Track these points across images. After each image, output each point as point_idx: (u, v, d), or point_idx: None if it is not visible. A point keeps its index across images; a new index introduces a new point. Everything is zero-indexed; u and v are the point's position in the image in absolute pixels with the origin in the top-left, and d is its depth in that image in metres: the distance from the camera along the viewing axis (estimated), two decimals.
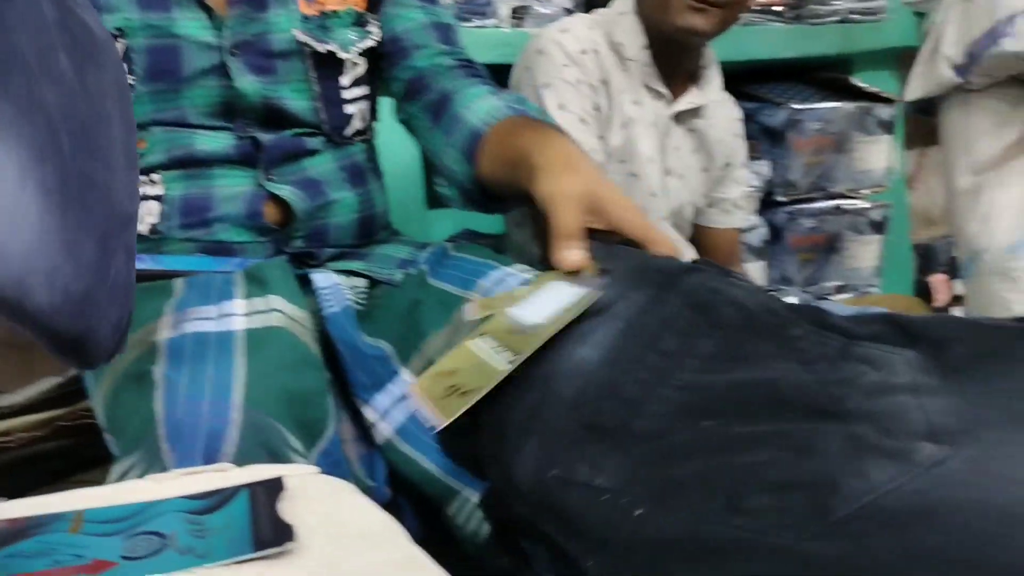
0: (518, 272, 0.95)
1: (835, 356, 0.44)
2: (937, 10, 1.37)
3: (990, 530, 0.35)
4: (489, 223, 1.74)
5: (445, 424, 0.52)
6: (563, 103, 1.23)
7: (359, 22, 1.00)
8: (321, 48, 0.96)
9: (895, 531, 0.37)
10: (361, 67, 1.00)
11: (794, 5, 1.81)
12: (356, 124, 1.02)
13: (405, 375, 0.85)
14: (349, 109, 1.00)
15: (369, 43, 1.00)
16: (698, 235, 1.46)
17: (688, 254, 1.39)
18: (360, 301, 0.99)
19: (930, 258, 2.26)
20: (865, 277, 1.93)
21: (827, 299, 1.80)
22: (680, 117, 1.34)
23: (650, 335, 0.51)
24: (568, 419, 0.50)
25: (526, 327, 0.56)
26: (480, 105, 0.94)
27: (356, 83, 1.00)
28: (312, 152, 0.99)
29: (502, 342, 0.57)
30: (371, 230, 1.07)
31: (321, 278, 0.97)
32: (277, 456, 0.64)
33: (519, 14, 1.51)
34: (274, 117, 0.95)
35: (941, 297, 2.22)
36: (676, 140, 1.35)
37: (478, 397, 0.52)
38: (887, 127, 1.84)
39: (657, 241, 0.63)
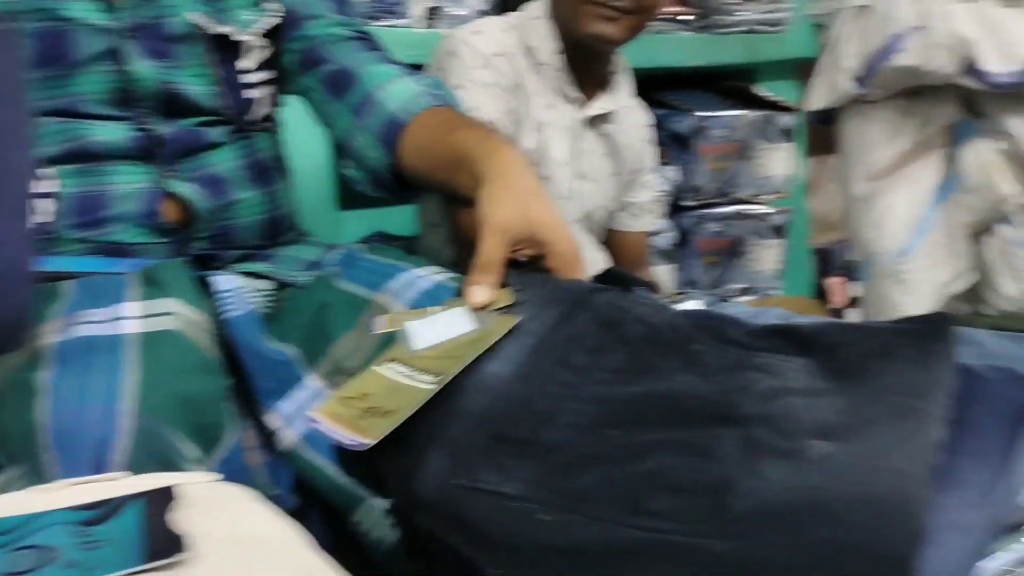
0: (429, 274, 0.94)
1: (734, 366, 0.46)
2: (835, 23, 1.42)
3: (874, 520, 0.37)
4: (402, 225, 1.73)
5: (372, 443, 0.52)
6: (476, 105, 1.22)
7: (255, 2, 0.97)
8: (215, 30, 0.92)
9: (788, 525, 0.38)
10: (265, 50, 0.97)
11: (701, 15, 1.86)
12: (260, 110, 0.99)
13: (311, 380, 0.83)
14: (251, 93, 0.97)
15: (268, 22, 0.97)
16: (609, 238, 1.49)
17: (599, 258, 1.41)
18: (265, 304, 0.96)
19: (828, 261, 2.37)
20: (767, 279, 2.01)
21: (730, 301, 1.85)
22: (592, 122, 1.36)
23: (561, 351, 0.52)
24: (476, 431, 0.50)
25: (422, 350, 0.56)
26: (397, 89, 0.93)
27: (260, 67, 0.97)
28: (214, 146, 0.96)
29: (413, 366, 0.57)
30: (278, 231, 1.04)
31: (223, 280, 0.94)
32: (171, 464, 0.61)
33: (432, 15, 1.50)
34: (173, 105, 0.92)
35: (837, 299, 2.32)
36: (588, 144, 1.36)
37: (405, 416, 0.52)
38: (788, 135, 1.91)
39: (582, 266, 0.65)
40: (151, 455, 0.61)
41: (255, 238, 1.00)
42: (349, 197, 1.48)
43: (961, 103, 1.33)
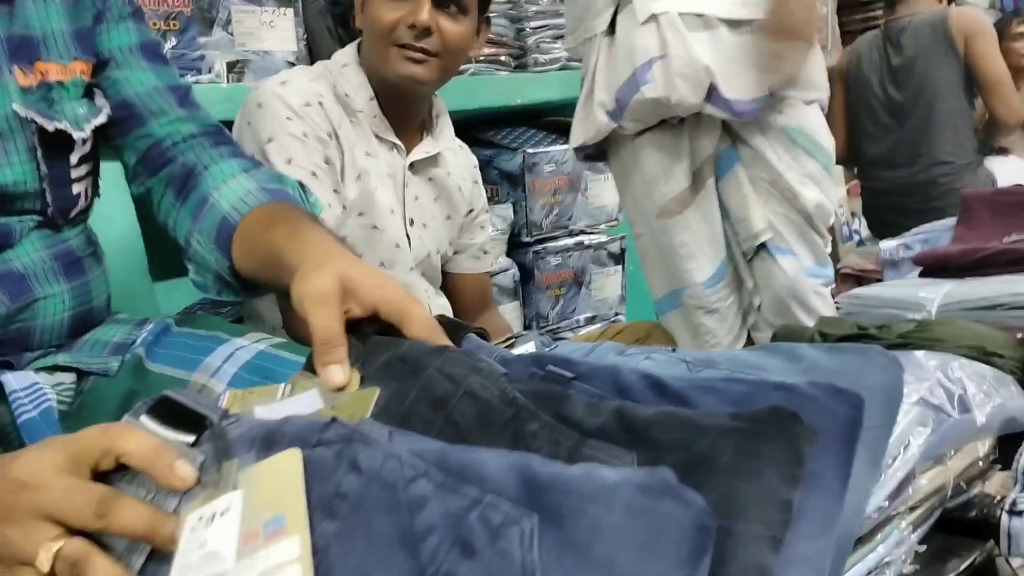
0: (249, 343, 0.87)
1: (564, 459, 0.43)
2: (589, 56, 1.37)
3: None
4: None
5: None
6: (290, 157, 1.17)
7: (88, 94, 0.89)
8: (50, 126, 0.83)
9: None
10: (89, 143, 0.89)
11: (517, 55, 1.89)
12: (81, 203, 0.90)
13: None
14: (76, 189, 0.88)
15: (102, 119, 0.89)
16: (449, 282, 1.46)
17: (439, 303, 1.37)
18: (64, 399, 0.86)
19: None
20: (612, 305, 2.04)
21: (563, 341, 1.87)
22: (416, 167, 1.33)
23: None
24: None
25: None
26: (231, 188, 0.87)
27: (82, 160, 0.88)
28: (18, 241, 0.84)
29: None
30: (87, 326, 0.93)
31: (14, 379, 0.83)
32: None
33: (237, 68, 1.43)
34: None
35: None
36: (415, 190, 1.33)
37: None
38: None
39: (414, 316, 0.59)
40: None
41: (57, 338, 0.89)
42: (163, 265, 1.37)
43: (723, 130, 1.32)
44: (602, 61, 1.32)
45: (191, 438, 0.49)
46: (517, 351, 0.67)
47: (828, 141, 1.33)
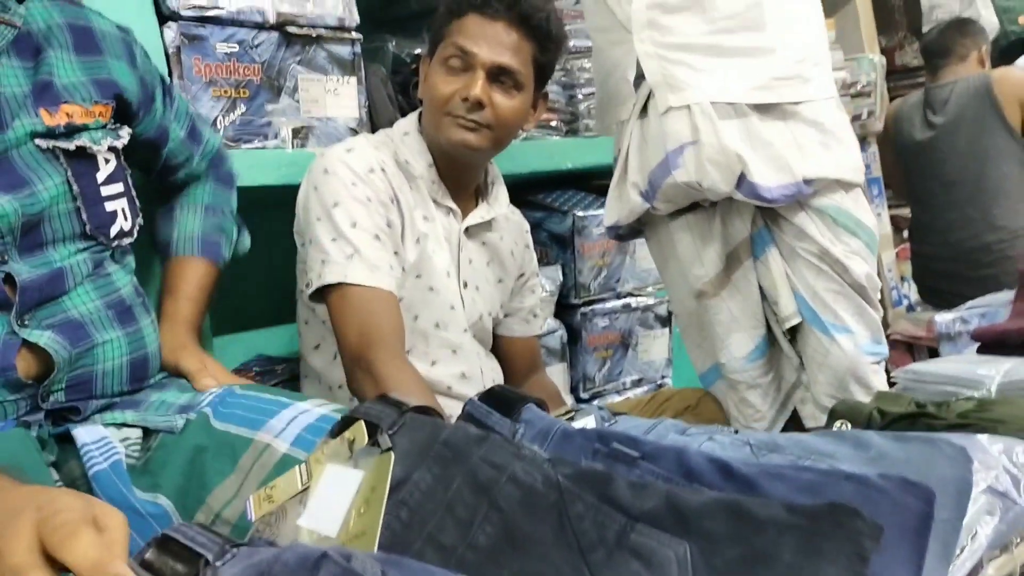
0: (313, 407, 0.89)
1: (613, 543, 0.43)
2: (621, 138, 1.40)
3: None
4: (285, 346, 1.66)
5: None
6: (355, 220, 1.21)
7: (107, 127, 0.98)
8: (71, 145, 0.92)
9: None
10: (113, 164, 0.97)
11: (568, 121, 1.93)
12: (120, 224, 0.97)
13: None
14: (111, 206, 0.96)
15: (119, 143, 0.99)
16: (499, 344, 1.47)
17: (490, 365, 1.39)
18: (132, 454, 0.89)
19: None
20: (658, 368, 2.03)
21: (616, 397, 1.85)
22: (471, 231, 1.36)
23: (433, 525, 0.48)
24: None
25: (331, 536, 0.51)
26: (187, 221, 1.18)
27: (110, 179, 0.97)
28: (72, 287, 0.90)
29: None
30: (144, 373, 0.97)
31: (85, 433, 0.87)
32: None
33: (301, 134, 1.49)
34: (31, 233, 0.88)
35: None
36: (469, 253, 1.36)
37: None
38: None
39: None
40: None
41: (119, 384, 0.94)
42: (220, 321, 1.41)
43: (758, 212, 1.32)
44: (635, 143, 1.35)
45: None
46: (577, 424, 0.69)
47: (870, 220, 1.33)
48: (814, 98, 1.29)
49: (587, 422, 0.69)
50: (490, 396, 0.65)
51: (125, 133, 1.00)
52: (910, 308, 3.18)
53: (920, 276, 2.79)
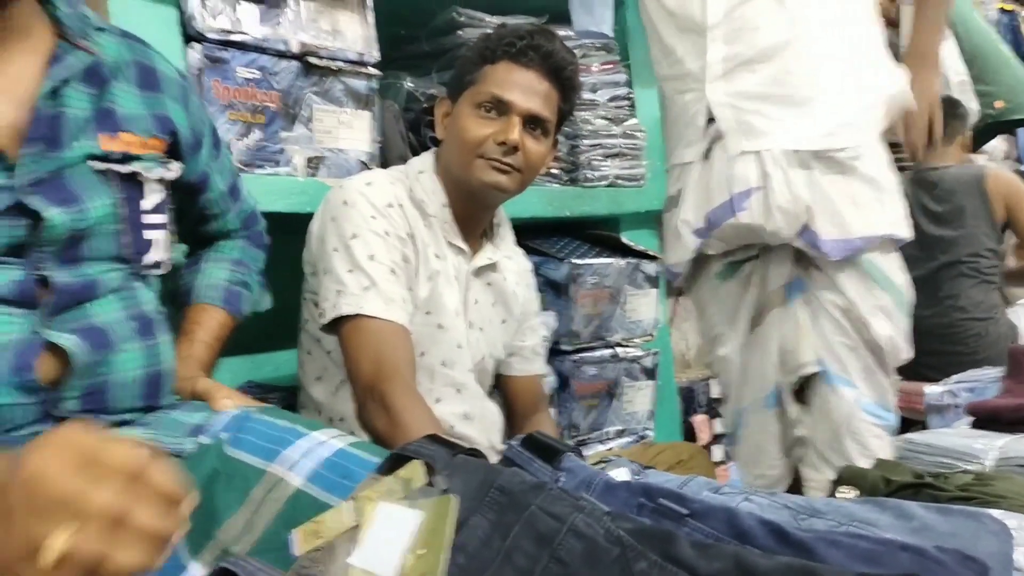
0: (328, 438, 0.88)
1: None
2: (678, 179, 1.47)
3: None
4: (273, 372, 1.64)
5: None
6: (372, 253, 1.21)
7: (159, 160, 1.00)
8: (124, 169, 0.94)
9: None
10: (159, 195, 0.99)
11: (569, 169, 1.96)
12: (156, 254, 0.99)
13: (195, 569, 0.75)
14: (149, 235, 0.98)
15: (169, 175, 1.01)
16: (503, 384, 1.48)
17: (489, 408, 1.39)
18: None
19: (691, 399, 2.45)
20: (641, 420, 2.05)
21: (600, 446, 1.86)
22: (478, 272, 1.37)
23: (491, 574, 0.48)
24: None
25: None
26: (211, 271, 1.19)
27: (155, 209, 0.99)
28: (99, 296, 0.92)
29: None
30: (158, 391, 0.96)
31: None
32: None
33: (313, 163, 1.49)
34: (74, 247, 0.89)
35: (703, 436, 2.40)
36: (476, 294, 1.37)
37: None
38: (653, 281, 2.01)
39: None
40: None
41: (133, 398, 0.93)
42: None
43: (795, 262, 1.39)
44: (693, 184, 1.42)
45: None
46: (611, 474, 0.69)
47: (902, 280, 1.38)
48: (872, 144, 1.35)
49: (620, 473, 0.69)
50: (530, 442, 0.65)
51: (175, 167, 1.02)
52: None
53: None
